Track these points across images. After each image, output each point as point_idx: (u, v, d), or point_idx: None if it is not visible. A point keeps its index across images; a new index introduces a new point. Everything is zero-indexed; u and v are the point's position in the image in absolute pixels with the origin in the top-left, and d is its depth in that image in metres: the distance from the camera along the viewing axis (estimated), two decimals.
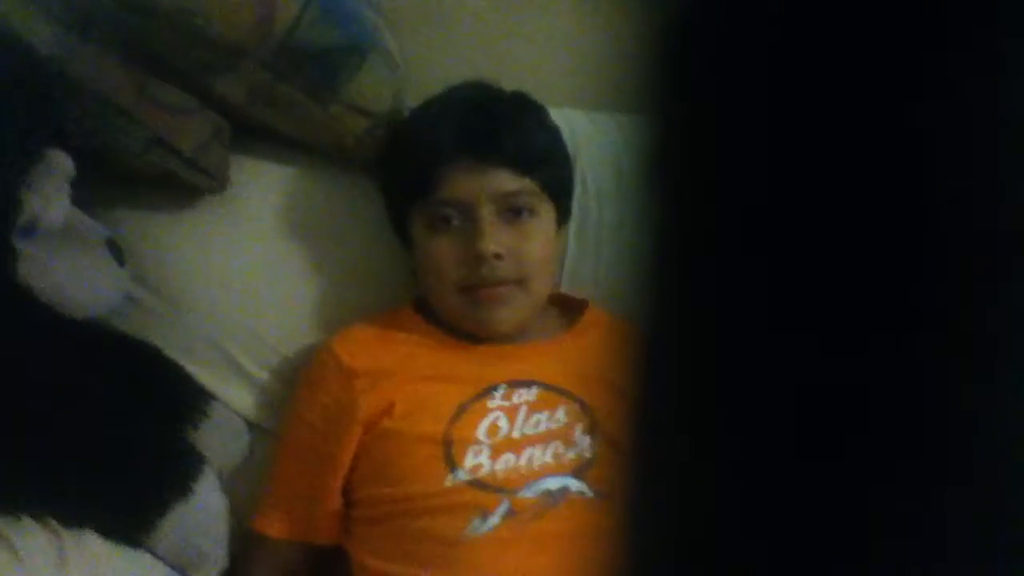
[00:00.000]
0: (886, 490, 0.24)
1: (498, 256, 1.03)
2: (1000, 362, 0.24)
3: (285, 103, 1.10)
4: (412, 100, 1.16)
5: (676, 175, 0.26)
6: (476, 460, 0.99)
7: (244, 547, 1.05)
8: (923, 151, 0.23)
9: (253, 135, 1.12)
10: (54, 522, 0.86)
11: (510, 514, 0.98)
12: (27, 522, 0.85)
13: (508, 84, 1.14)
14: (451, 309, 1.07)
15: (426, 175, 1.05)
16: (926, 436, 0.24)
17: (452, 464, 0.99)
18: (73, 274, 0.92)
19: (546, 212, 1.08)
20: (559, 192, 1.11)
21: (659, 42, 0.26)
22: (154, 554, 0.92)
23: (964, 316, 0.24)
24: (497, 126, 1.07)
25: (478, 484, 0.98)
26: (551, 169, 1.10)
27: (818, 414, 0.24)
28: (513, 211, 1.05)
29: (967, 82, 0.23)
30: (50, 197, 0.90)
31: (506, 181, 1.05)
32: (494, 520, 0.97)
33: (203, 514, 0.94)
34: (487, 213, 1.04)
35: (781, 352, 0.24)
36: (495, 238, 1.03)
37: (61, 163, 0.92)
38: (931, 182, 0.23)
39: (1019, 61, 0.23)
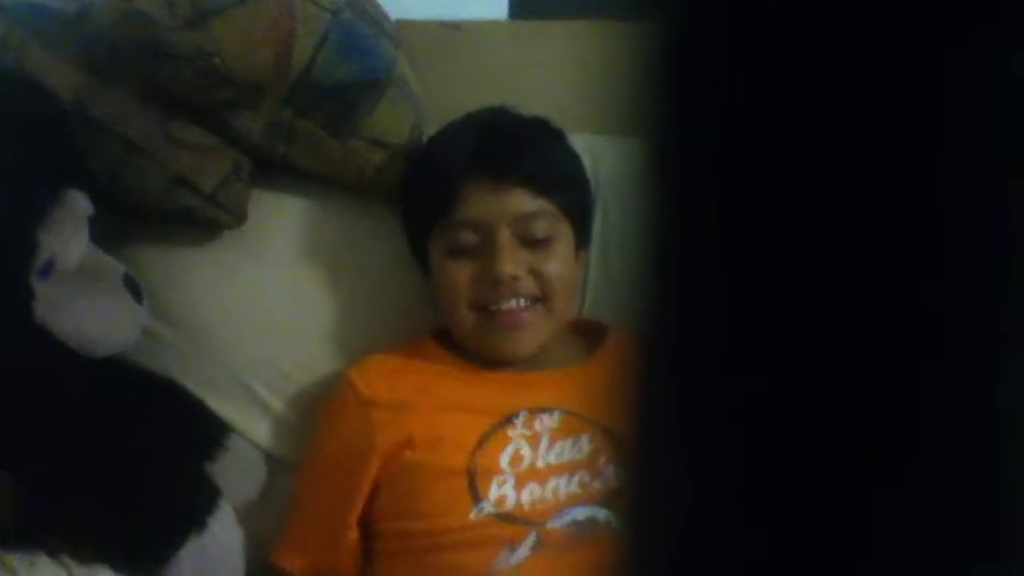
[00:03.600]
0: (886, 491, 0.24)
1: (516, 278, 1.03)
2: (1000, 362, 0.24)
3: (305, 138, 1.12)
4: (431, 131, 1.16)
5: (673, 187, 0.26)
6: (501, 491, 0.98)
7: None
8: (922, 154, 0.23)
9: (273, 169, 1.14)
10: (68, 559, 0.87)
11: (539, 546, 0.97)
12: (40, 560, 0.86)
13: (527, 112, 1.14)
14: (468, 333, 1.06)
15: (444, 195, 1.05)
16: (927, 438, 0.24)
17: (476, 496, 0.98)
18: (91, 313, 0.94)
19: (565, 235, 1.07)
20: (578, 215, 1.10)
21: (655, 57, 0.26)
22: None
23: (964, 316, 0.23)
24: (515, 146, 1.07)
25: (505, 517, 0.97)
26: (570, 191, 1.09)
27: (818, 416, 0.24)
28: (532, 234, 1.05)
29: (967, 82, 0.22)
30: (68, 238, 0.93)
31: (524, 202, 1.04)
32: (523, 553, 0.96)
33: (219, 547, 0.95)
34: (505, 235, 1.03)
35: (780, 357, 0.24)
36: (513, 259, 1.03)
37: (79, 204, 0.94)
38: (930, 186, 0.23)
39: (1019, 61, 0.22)
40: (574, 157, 1.13)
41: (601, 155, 1.20)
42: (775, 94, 0.24)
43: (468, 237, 1.04)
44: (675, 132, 0.26)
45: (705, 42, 0.25)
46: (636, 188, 0.27)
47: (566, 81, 1.26)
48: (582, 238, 1.11)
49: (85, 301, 0.93)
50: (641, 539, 0.29)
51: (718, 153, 0.25)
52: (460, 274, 1.05)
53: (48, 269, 0.90)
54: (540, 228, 1.05)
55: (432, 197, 1.07)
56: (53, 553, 0.87)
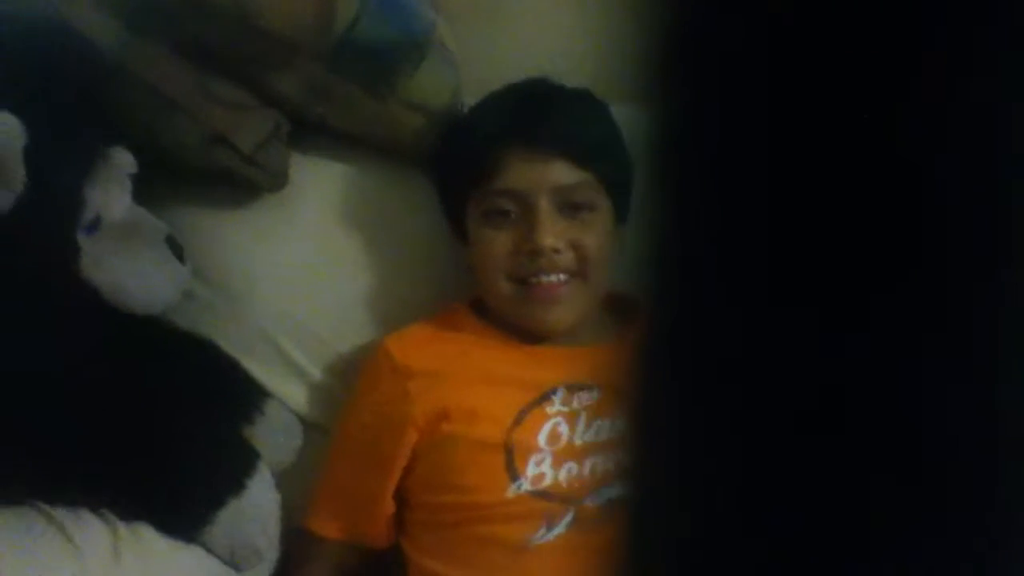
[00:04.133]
0: (886, 490, 0.24)
1: (556, 250, 1.02)
2: (1000, 362, 0.24)
3: (343, 99, 1.10)
4: (469, 98, 1.15)
5: (680, 166, 0.26)
6: (538, 469, 0.98)
7: (294, 545, 1.05)
8: (923, 147, 0.23)
9: (311, 131, 1.12)
10: (111, 515, 0.87)
11: (575, 523, 0.97)
12: (85, 514, 0.86)
13: (569, 82, 1.12)
14: (505, 304, 1.05)
15: (482, 164, 1.04)
16: (926, 437, 0.24)
17: (514, 474, 0.98)
18: (134, 270, 0.93)
19: (604, 207, 1.06)
20: (619, 188, 1.08)
21: (665, 34, 0.26)
22: (207, 549, 0.93)
23: (964, 316, 0.23)
24: (555, 116, 1.06)
25: (542, 495, 0.97)
26: (611, 164, 1.07)
27: (818, 412, 0.24)
28: (572, 206, 1.03)
29: (968, 81, 0.22)
30: (112, 194, 0.92)
31: (565, 173, 1.03)
32: (560, 529, 0.97)
33: (256, 510, 0.95)
34: (545, 205, 1.02)
35: (781, 348, 0.24)
36: (553, 231, 1.02)
37: (123, 160, 0.93)
38: (931, 179, 0.23)
39: (1018, 60, 0.22)
40: (615, 128, 1.12)
41: (639, 129, 1.18)
42: (784, 80, 0.23)
43: (507, 206, 1.03)
44: (671, 103, 0.26)
45: (702, 14, 0.25)
46: (649, 165, 0.27)
47: (609, 49, 1.24)
48: (620, 211, 1.10)
49: (129, 258, 0.92)
50: (637, 528, 0.29)
51: (721, 148, 0.25)
52: (498, 244, 1.04)
53: (94, 225, 0.89)
54: (581, 200, 1.04)
55: (471, 165, 1.06)
56: (97, 510, 0.87)
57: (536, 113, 1.06)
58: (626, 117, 1.16)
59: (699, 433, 0.26)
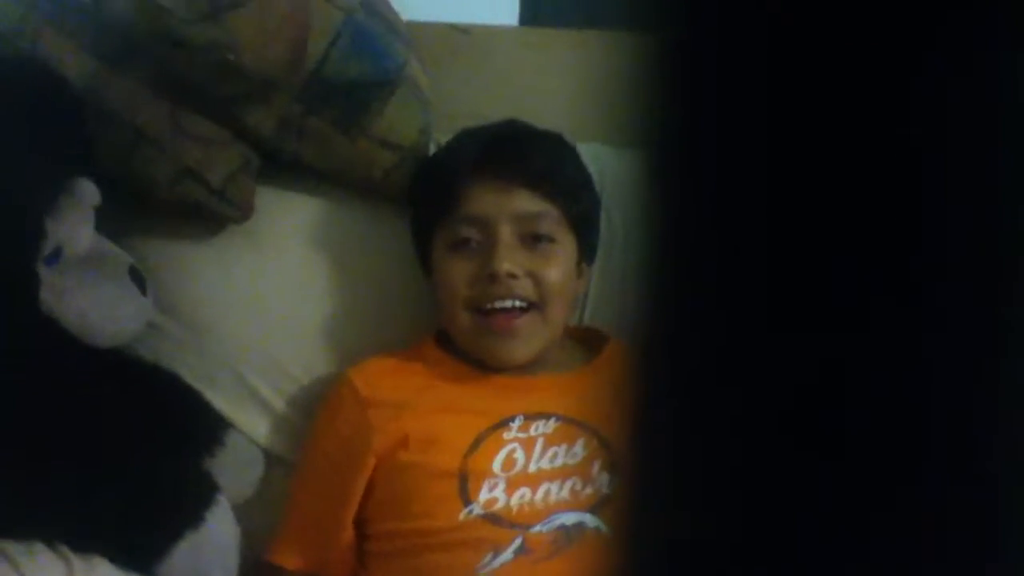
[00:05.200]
0: (886, 492, 0.24)
1: (513, 276, 1.03)
2: (1002, 362, 0.24)
3: (314, 136, 1.11)
4: (441, 136, 1.17)
5: (674, 198, 0.26)
6: (491, 494, 0.98)
7: None
8: (922, 154, 0.23)
9: (281, 166, 1.14)
10: (65, 548, 0.87)
11: (523, 551, 0.97)
12: (38, 547, 0.86)
13: (539, 121, 1.14)
14: (463, 334, 1.06)
15: (449, 191, 1.06)
16: (926, 438, 0.24)
17: (467, 498, 0.98)
18: (96, 302, 0.93)
19: (567, 242, 1.08)
20: (582, 225, 1.10)
21: (655, 65, 0.26)
22: None
23: (965, 316, 0.23)
24: (523, 148, 1.08)
25: (492, 518, 0.97)
26: (577, 201, 1.09)
27: (818, 418, 0.24)
28: (533, 237, 1.05)
29: (967, 83, 0.23)
30: (75, 226, 0.92)
31: (528, 202, 1.05)
32: (507, 556, 0.96)
33: (215, 543, 0.94)
34: (506, 233, 1.04)
35: (781, 359, 0.25)
36: (511, 257, 1.03)
37: (87, 192, 0.94)
38: (931, 185, 0.23)
39: (1018, 59, 0.23)
40: (584, 171, 1.13)
41: (606, 166, 1.20)
42: (774, 104, 0.24)
43: (470, 233, 1.05)
44: (677, 144, 0.26)
45: (705, 53, 0.25)
46: (639, 198, 0.27)
47: (573, 90, 1.26)
48: (585, 251, 1.11)
49: (91, 290, 0.93)
50: (633, 547, 0.29)
51: (719, 164, 0.25)
52: (459, 271, 1.05)
53: (55, 257, 0.90)
54: (542, 230, 1.05)
55: (438, 193, 1.08)
56: (51, 543, 0.86)
57: (504, 146, 1.08)
58: (592, 156, 1.17)
59: (694, 455, 0.26)
